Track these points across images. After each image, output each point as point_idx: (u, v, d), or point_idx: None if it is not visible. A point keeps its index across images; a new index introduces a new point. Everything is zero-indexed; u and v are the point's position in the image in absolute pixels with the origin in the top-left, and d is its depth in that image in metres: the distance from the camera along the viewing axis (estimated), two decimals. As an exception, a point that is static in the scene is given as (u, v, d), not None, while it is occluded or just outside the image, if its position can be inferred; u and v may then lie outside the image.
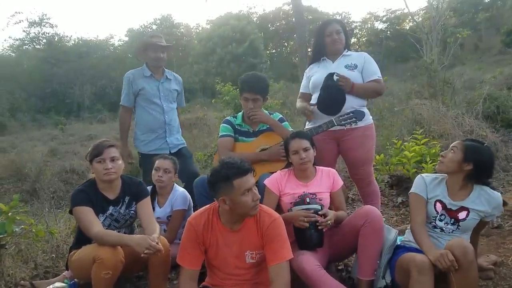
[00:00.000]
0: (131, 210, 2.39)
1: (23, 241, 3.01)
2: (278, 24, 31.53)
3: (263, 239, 1.96)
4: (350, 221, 2.29)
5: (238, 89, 7.85)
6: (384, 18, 30.39)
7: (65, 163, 10.52)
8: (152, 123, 3.32)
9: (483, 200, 2.09)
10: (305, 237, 2.20)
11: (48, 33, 25.40)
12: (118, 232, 2.31)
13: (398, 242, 2.31)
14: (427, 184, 2.20)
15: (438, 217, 2.15)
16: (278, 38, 31.89)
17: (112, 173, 2.23)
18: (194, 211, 3.03)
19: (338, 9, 54.09)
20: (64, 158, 11.29)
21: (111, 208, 2.32)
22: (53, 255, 3.04)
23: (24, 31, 25.45)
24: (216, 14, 46.27)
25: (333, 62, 2.93)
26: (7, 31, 43.54)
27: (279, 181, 2.41)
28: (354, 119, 2.67)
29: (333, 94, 2.74)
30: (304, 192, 2.34)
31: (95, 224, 2.14)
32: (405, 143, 4.22)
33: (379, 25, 31.24)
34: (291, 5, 28.59)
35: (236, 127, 2.91)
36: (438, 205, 2.15)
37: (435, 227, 2.16)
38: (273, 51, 31.82)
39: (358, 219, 2.22)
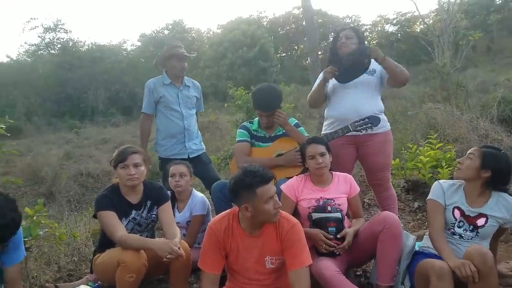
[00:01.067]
0: (153, 214, 2.46)
1: (46, 244, 3.10)
2: (288, 28, 31.55)
3: (282, 245, 1.99)
4: (369, 227, 2.31)
5: (250, 94, 8.01)
6: (395, 21, 30.16)
7: (80, 167, 10.71)
8: (172, 129, 3.39)
9: (501, 207, 2.09)
10: None
11: (63, 39, 25.74)
12: (141, 235, 2.37)
13: (417, 248, 2.33)
14: (444, 191, 2.22)
15: (456, 224, 2.15)
16: (288, 42, 31.91)
17: (135, 179, 2.30)
18: (213, 215, 3.13)
19: (348, 12, 53.96)
20: (79, 162, 11.48)
21: (133, 212, 2.39)
22: (75, 258, 3.12)
23: (39, 36, 25.87)
24: (226, 19, 46.62)
25: None
26: (23, 37, 44.58)
27: (296, 187, 2.45)
28: (370, 124, 2.70)
29: (356, 60, 2.75)
30: (321, 197, 2.37)
31: (119, 228, 2.21)
32: (420, 148, 4.22)
33: (390, 28, 31.02)
34: (301, 9, 28.79)
35: (253, 132, 2.97)
36: (457, 212, 2.16)
37: (453, 233, 2.17)
38: (283, 55, 31.86)
39: (377, 225, 2.24)
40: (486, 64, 18.92)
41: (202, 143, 3.62)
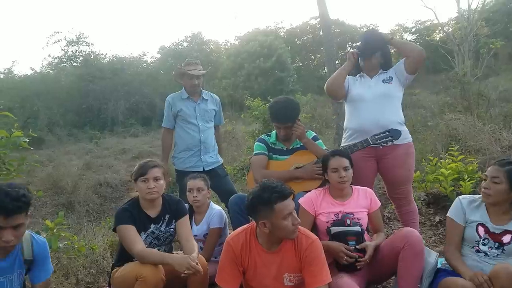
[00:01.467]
0: (171, 228, 2.47)
1: (65, 256, 3.13)
2: (305, 38, 31.60)
3: (301, 262, 1.96)
4: (389, 244, 2.26)
5: (267, 104, 8.02)
6: (413, 30, 29.86)
7: (99, 177, 10.85)
8: (189, 141, 3.46)
9: None
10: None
11: (85, 51, 26.36)
12: (159, 250, 2.37)
13: (439, 265, 2.26)
14: (464, 208, 2.15)
15: (481, 242, 2.09)
16: (305, 52, 31.95)
17: (154, 192, 2.33)
18: (230, 228, 3.12)
19: (366, 21, 53.77)
20: (98, 172, 11.63)
21: (152, 226, 2.41)
22: (93, 270, 3.14)
23: (62, 49, 26.50)
24: (244, 30, 47.04)
25: (371, 78, 2.93)
26: (47, 50, 45.88)
27: (314, 201, 2.41)
28: (390, 138, 2.64)
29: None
30: (341, 211, 2.33)
31: (138, 242, 2.22)
32: (441, 160, 4.12)
33: (408, 37, 30.63)
34: (318, 19, 28.78)
35: (270, 145, 2.95)
36: (481, 229, 2.09)
37: (478, 251, 2.09)
38: (300, 64, 31.85)
39: (398, 242, 2.18)
40: (508, 73, 18.47)
41: (219, 155, 3.64)
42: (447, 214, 2.21)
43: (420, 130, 7.43)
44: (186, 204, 2.82)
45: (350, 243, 2.20)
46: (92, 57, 26.05)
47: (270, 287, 2.03)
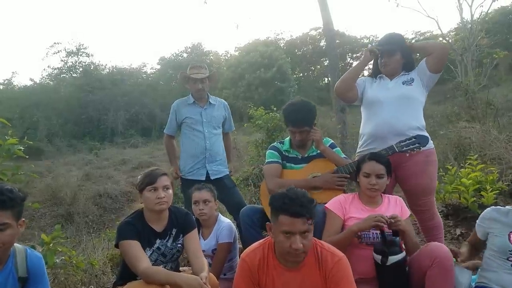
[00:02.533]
0: (178, 243, 2.25)
1: (62, 272, 2.92)
2: (305, 48, 31.69)
3: (326, 282, 1.76)
4: (415, 261, 2.05)
5: (269, 113, 7.86)
6: (413, 40, 30.00)
7: (99, 187, 10.68)
8: (193, 149, 3.29)
9: None
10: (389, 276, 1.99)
11: (85, 62, 26.44)
12: (165, 267, 2.16)
13: (473, 284, 2.05)
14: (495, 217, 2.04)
15: None
16: (305, 63, 32.01)
17: (164, 203, 2.12)
18: (240, 242, 2.90)
19: (366, 32, 54.03)
20: (98, 182, 11.47)
21: (158, 241, 2.19)
22: (92, 287, 2.93)
23: (62, 60, 26.56)
24: (244, 41, 47.27)
25: (390, 80, 2.72)
26: (46, 61, 45.96)
27: (343, 204, 2.24)
28: (417, 144, 2.42)
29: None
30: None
31: (142, 259, 1.99)
32: (461, 170, 3.92)
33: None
34: (318, 31, 29.01)
35: (284, 153, 2.75)
36: None
37: None
38: (300, 75, 31.91)
39: (424, 259, 1.97)
40: (509, 83, 18.41)
41: (227, 165, 3.44)
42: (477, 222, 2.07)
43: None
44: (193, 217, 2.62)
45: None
46: (91, 68, 26.11)
47: None
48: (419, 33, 29.36)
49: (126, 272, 2.12)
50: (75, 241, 4.98)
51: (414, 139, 2.43)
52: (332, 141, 2.75)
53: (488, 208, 2.10)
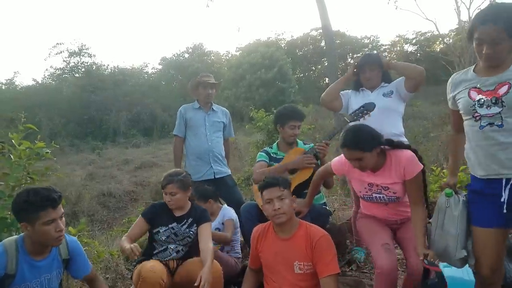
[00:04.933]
0: (191, 231, 2.60)
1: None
2: (306, 49, 31.90)
3: (312, 252, 2.11)
4: None
5: (270, 115, 8.09)
6: (414, 41, 30.15)
7: (103, 187, 10.91)
8: (198, 150, 3.61)
9: None
10: None
11: (87, 63, 26.62)
12: (175, 246, 2.56)
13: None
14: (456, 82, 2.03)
15: (476, 105, 1.88)
16: (306, 63, 32.21)
17: (171, 205, 2.59)
18: (241, 236, 3.25)
19: (367, 32, 54.29)
20: (102, 182, 11.68)
21: (174, 224, 2.59)
22: (111, 275, 3.20)
23: (64, 60, 26.75)
24: (245, 41, 47.55)
25: (371, 92, 3.03)
26: (49, 61, 46.39)
27: (343, 164, 2.35)
28: (365, 111, 2.71)
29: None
30: (373, 183, 2.26)
31: (132, 233, 2.55)
32: (444, 170, 4.18)
33: (409, 48, 30.94)
34: (318, 31, 29.15)
35: (272, 155, 3.11)
36: (473, 92, 1.91)
37: (479, 117, 1.86)
38: (301, 75, 32.11)
39: None
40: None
41: (227, 167, 3.76)
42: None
43: (421, 141, 7.50)
44: None
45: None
46: (94, 68, 26.30)
47: (281, 273, 2.18)
48: (419, 33, 29.55)
49: (145, 253, 2.60)
50: (88, 236, 5.23)
51: (361, 108, 2.73)
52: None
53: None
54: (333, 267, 2.07)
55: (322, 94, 3.15)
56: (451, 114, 2.14)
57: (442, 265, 2.30)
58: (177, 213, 2.62)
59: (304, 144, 3.12)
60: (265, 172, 2.81)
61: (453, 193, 2.07)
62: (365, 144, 2.11)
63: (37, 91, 24.59)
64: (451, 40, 21.32)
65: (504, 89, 1.79)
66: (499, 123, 1.80)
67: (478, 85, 1.88)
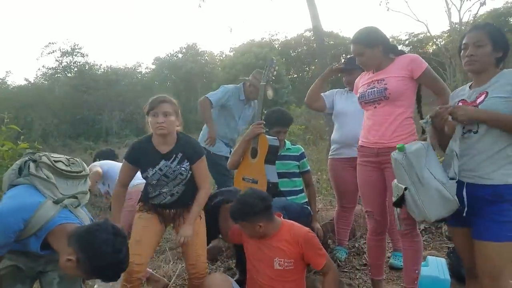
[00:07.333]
0: (182, 167, 2.35)
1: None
2: (299, 49, 31.93)
3: (299, 249, 2.14)
4: None
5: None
6: (407, 42, 30.29)
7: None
8: (222, 131, 3.86)
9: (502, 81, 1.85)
10: None
11: (79, 62, 26.48)
12: (168, 188, 2.38)
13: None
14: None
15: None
16: (300, 63, 32.24)
17: (163, 127, 2.25)
18: None
19: (360, 33, 54.11)
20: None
21: (162, 162, 2.33)
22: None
23: (56, 60, 26.59)
24: (239, 42, 47.50)
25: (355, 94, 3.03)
26: (41, 61, 46.09)
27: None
28: (270, 68, 3.01)
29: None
30: (372, 80, 2.38)
31: (121, 181, 2.45)
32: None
33: (402, 49, 31.07)
34: (312, 32, 29.14)
35: None
36: (460, 104, 1.97)
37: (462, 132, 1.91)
38: (294, 76, 32.14)
39: None
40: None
41: None
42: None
43: (411, 141, 7.53)
44: None
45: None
46: (86, 68, 26.18)
47: (261, 267, 2.21)
48: (412, 34, 29.69)
49: (145, 198, 2.50)
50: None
51: (266, 67, 3.03)
52: (303, 151, 3.13)
53: None
54: (323, 253, 2.17)
55: (306, 96, 3.16)
56: None
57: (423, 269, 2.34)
58: (163, 149, 2.33)
59: (292, 145, 3.14)
60: (234, 152, 2.96)
61: (404, 145, 1.95)
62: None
63: (29, 91, 24.45)
64: (443, 42, 21.48)
65: (481, 98, 1.87)
66: (475, 130, 1.87)
67: (465, 97, 1.97)
